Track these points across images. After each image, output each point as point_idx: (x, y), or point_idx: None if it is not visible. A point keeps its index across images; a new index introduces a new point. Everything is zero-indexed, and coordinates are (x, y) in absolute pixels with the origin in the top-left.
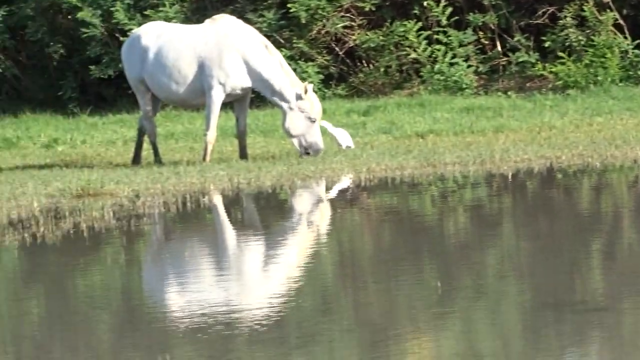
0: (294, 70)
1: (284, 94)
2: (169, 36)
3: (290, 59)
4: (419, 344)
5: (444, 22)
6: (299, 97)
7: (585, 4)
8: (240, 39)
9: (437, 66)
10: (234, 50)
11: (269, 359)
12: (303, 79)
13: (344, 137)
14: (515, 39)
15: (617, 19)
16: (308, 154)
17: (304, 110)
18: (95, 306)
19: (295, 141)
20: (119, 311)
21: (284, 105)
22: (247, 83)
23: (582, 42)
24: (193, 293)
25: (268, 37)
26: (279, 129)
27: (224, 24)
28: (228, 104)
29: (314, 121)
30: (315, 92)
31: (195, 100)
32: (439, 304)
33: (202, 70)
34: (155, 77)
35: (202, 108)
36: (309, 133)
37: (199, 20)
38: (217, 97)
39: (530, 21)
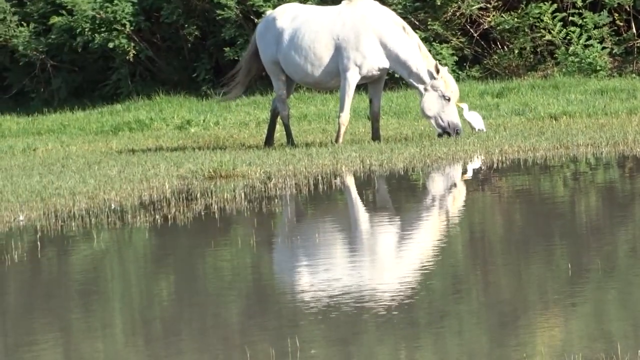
0: (428, 52)
1: (421, 75)
2: (305, 17)
3: (424, 40)
4: (548, 325)
5: (579, 3)
6: (431, 76)
7: None
8: (377, 20)
9: (571, 48)
10: (371, 31)
11: (398, 340)
12: (438, 61)
13: (477, 120)
14: None
15: None
16: (448, 134)
17: (438, 88)
18: (225, 287)
19: (432, 122)
20: (249, 293)
21: (421, 86)
22: (384, 64)
23: None
24: (323, 274)
25: (403, 18)
26: (412, 111)
27: (361, 5)
28: (362, 86)
29: (449, 100)
30: (450, 74)
31: (330, 82)
32: (569, 285)
33: (339, 52)
34: (290, 59)
35: (336, 90)
36: (444, 112)
37: (335, 2)
38: (353, 79)
39: None
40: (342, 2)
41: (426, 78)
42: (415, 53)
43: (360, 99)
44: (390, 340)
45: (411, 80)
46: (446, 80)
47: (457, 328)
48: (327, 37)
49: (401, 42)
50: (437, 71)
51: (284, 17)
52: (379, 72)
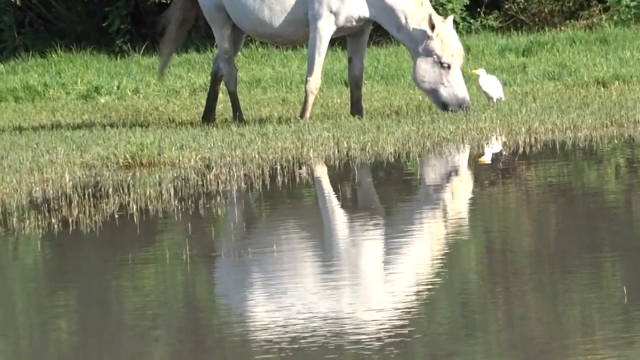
0: None
1: (412, 31)
2: None
3: None
4: None
5: None
6: (425, 36)
7: None
8: None
9: None
10: None
11: None
12: (441, 5)
13: (494, 87)
14: None
15: None
16: (450, 110)
17: (433, 51)
18: (148, 319)
19: (430, 95)
20: (181, 326)
21: (413, 47)
22: (365, 12)
23: None
24: (283, 300)
25: None
26: (406, 74)
27: None
28: (337, 40)
29: (448, 67)
30: (458, 24)
31: (295, 34)
32: (626, 317)
33: None
34: (240, 1)
35: (302, 46)
36: (444, 83)
37: None
38: (326, 30)
39: None
40: None
41: (419, 35)
42: None
43: (335, 58)
44: None
45: (401, 37)
46: (444, 40)
47: None
48: None
49: None
50: (432, 27)
51: None
52: (360, 23)
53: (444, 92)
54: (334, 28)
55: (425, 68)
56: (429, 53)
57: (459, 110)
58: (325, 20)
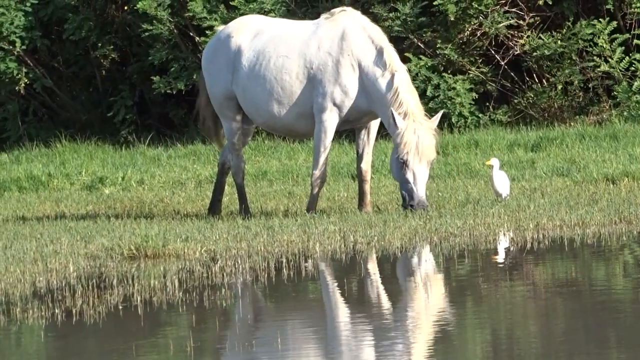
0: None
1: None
2: (271, 35)
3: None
4: None
5: None
6: (393, 126)
7: None
8: (357, 41)
9: (636, 83)
10: (349, 57)
11: None
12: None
13: (503, 183)
14: None
15: None
16: (411, 206)
17: (396, 145)
18: None
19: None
20: None
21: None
22: (364, 104)
23: None
24: None
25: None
26: None
27: (343, 21)
28: (344, 134)
29: (404, 163)
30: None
31: (304, 128)
32: None
33: (313, 86)
34: (250, 94)
35: (309, 138)
36: (402, 179)
37: (307, 16)
38: (330, 123)
39: None
40: (322, 15)
41: (392, 130)
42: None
43: (342, 151)
44: None
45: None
46: (404, 136)
47: None
48: (299, 63)
49: (377, 73)
50: (394, 118)
51: (243, 34)
52: (365, 116)
53: (402, 188)
54: (337, 120)
55: (391, 161)
56: (395, 147)
57: (416, 208)
58: (329, 113)
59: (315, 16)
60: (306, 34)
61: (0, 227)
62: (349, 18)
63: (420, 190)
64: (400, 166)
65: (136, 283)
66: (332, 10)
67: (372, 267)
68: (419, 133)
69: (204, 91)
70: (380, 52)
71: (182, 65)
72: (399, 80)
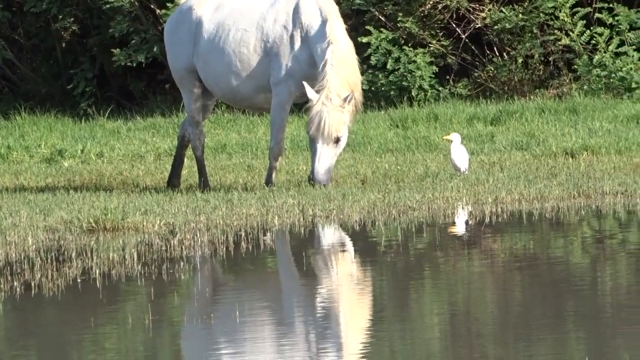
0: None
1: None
2: (231, 8)
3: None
4: None
5: None
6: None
7: None
8: (308, 12)
9: (597, 57)
10: (300, 29)
11: None
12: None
13: (462, 158)
14: None
15: None
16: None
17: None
18: None
19: None
20: None
21: None
22: (315, 75)
23: None
24: None
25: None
26: (372, 142)
27: None
28: (303, 106)
29: (310, 137)
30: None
31: (263, 101)
32: None
33: (270, 59)
34: (211, 66)
35: (268, 112)
36: (312, 152)
37: None
38: (287, 95)
39: None
40: None
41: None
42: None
43: (301, 124)
44: None
45: None
46: (311, 110)
47: None
48: (257, 36)
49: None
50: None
51: (205, 7)
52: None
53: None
54: (295, 94)
55: None
56: None
57: (314, 183)
58: (285, 85)
59: None
60: (264, 7)
61: None
62: None
63: (321, 166)
64: (310, 139)
65: (95, 256)
66: None
67: (330, 240)
68: (325, 110)
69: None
70: (324, 23)
71: (143, 38)
72: (330, 52)
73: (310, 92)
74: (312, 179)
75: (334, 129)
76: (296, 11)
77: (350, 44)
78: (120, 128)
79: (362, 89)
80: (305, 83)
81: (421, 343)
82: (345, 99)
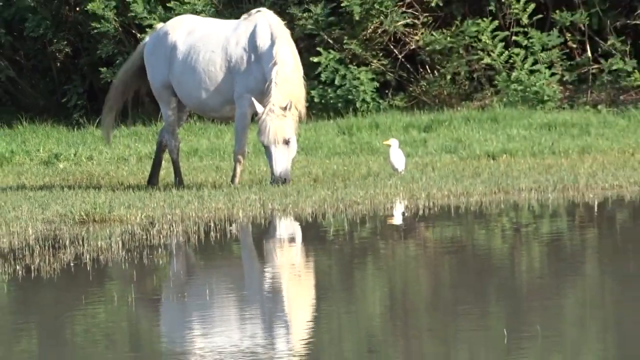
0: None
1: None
2: (202, 33)
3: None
4: None
5: (525, 21)
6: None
7: None
8: (262, 36)
9: (514, 74)
10: (257, 50)
11: None
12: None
13: (399, 160)
14: (609, 42)
15: None
16: (273, 180)
17: None
18: (97, 354)
19: None
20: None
21: None
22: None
23: None
24: (216, 339)
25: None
26: (323, 146)
27: (256, 19)
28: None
29: (263, 145)
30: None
31: (229, 112)
32: (506, 355)
33: (233, 77)
34: (184, 82)
35: (233, 121)
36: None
37: (233, 15)
38: (247, 108)
39: (628, 21)
40: (243, 15)
41: None
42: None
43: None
44: None
45: None
46: (259, 121)
47: None
48: (222, 57)
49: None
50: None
51: (179, 32)
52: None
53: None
54: (252, 105)
55: None
56: None
57: (276, 182)
58: (245, 99)
59: (239, 16)
60: (228, 31)
61: None
62: (261, 17)
63: (278, 166)
64: (264, 148)
65: (86, 244)
66: (250, 11)
67: (286, 230)
68: (268, 119)
69: (129, 68)
70: (272, 45)
71: (126, 58)
72: (275, 72)
73: (258, 106)
74: (272, 182)
75: (279, 132)
76: (252, 35)
77: (295, 65)
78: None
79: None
80: (253, 99)
81: (365, 317)
82: (284, 108)
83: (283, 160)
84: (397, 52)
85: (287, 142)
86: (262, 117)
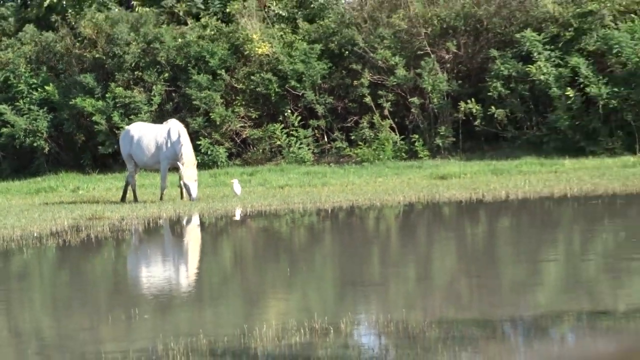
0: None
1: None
2: (145, 131)
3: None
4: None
5: (296, 124)
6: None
7: (375, 115)
8: (172, 132)
9: (291, 149)
10: (169, 139)
11: None
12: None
13: (238, 188)
14: (335, 134)
15: (391, 124)
16: (192, 199)
17: (180, 175)
18: (111, 285)
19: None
20: (116, 284)
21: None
22: (174, 157)
23: (372, 136)
24: (163, 268)
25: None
26: (201, 184)
27: (170, 124)
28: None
29: (184, 184)
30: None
31: (156, 165)
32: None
33: (159, 150)
34: (137, 153)
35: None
36: (188, 190)
37: (161, 121)
38: (165, 164)
39: (344, 124)
40: (164, 122)
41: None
42: (185, 149)
43: (173, 175)
44: None
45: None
46: (180, 171)
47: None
48: (154, 142)
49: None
50: (180, 165)
51: (134, 130)
52: (178, 161)
53: (189, 193)
54: (168, 164)
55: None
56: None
57: (194, 200)
58: (164, 161)
59: (162, 122)
60: (157, 130)
61: (37, 207)
62: (173, 122)
63: (193, 193)
64: (184, 185)
65: (92, 229)
66: (167, 120)
67: (186, 223)
68: (184, 168)
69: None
70: (179, 138)
71: (111, 142)
72: (182, 149)
73: (180, 166)
74: (192, 199)
75: (191, 175)
76: (168, 132)
77: (190, 145)
78: (102, 177)
79: (199, 161)
80: (179, 163)
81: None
82: (192, 165)
83: (196, 190)
84: (237, 139)
85: (195, 180)
86: (182, 169)
